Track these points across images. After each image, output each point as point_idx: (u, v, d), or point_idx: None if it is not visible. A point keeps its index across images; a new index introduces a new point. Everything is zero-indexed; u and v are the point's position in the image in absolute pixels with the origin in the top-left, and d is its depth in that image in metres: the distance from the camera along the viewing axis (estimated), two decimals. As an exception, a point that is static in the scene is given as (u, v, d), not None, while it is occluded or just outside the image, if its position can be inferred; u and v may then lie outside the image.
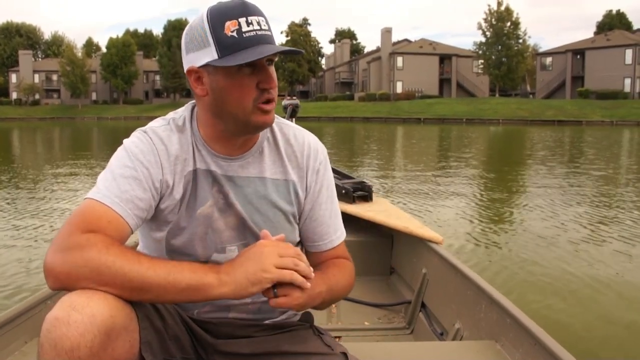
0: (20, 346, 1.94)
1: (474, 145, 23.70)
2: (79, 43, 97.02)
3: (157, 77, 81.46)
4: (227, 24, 1.20)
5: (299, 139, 1.45)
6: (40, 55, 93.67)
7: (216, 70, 1.24)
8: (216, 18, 1.22)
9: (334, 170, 4.00)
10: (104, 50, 79.18)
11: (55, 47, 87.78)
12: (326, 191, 1.47)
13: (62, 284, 1.11)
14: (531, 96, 65.74)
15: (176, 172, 1.33)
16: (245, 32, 1.20)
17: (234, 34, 1.20)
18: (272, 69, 1.29)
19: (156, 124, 1.38)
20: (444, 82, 68.21)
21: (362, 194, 3.72)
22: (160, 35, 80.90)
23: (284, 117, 1.67)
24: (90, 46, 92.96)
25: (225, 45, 1.21)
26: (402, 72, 65.82)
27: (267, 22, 1.25)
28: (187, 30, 1.30)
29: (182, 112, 1.40)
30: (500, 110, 53.67)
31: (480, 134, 33.52)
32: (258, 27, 1.22)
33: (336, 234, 1.49)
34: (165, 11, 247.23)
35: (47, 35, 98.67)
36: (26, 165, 14.74)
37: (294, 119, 3.73)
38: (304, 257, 1.22)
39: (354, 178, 4.02)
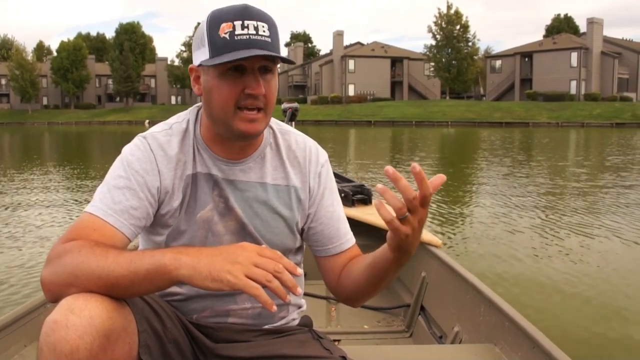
0: (20, 349, 1.93)
1: (432, 147, 24.16)
2: (34, 46, 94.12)
3: (110, 81, 79.77)
4: (222, 25, 1.22)
5: (300, 144, 1.46)
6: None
7: (208, 70, 1.26)
8: (214, 20, 1.24)
9: (334, 174, 4.06)
10: (55, 54, 77.64)
11: (4, 50, 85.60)
12: (330, 194, 1.47)
13: (54, 294, 1.13)
14: (484, 98, 66.74)
15: (176, 176, 1.34)
16: (237, 35, 1.21)
17: (226, 35, 1.21)
18: (269, 77, 1.27)
19: (157, 128, 1.38)
20: (395, 85, 68.75)
21: (362, 197, 3.73)
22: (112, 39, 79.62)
23: (283, 121, 1.61)
24: (41, 50, 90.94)
25: (216, 46, 1.22)
26: (353, 75, 66.05)
27: (269, 29, 1.24)
28: (196, 30, 1.32)
29: (185, 115, 1.41)
30: (449, 112, 54.33)
31: (434, 135, 34.06)
32: (254, 32, 1.22)
33: (346, 237, 1.47)
34: (123, 14, 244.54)
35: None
36: None
37: (293, 123, 3.75)
38: (286, 274, 1.08)
39: (353, 181, 4.03)
